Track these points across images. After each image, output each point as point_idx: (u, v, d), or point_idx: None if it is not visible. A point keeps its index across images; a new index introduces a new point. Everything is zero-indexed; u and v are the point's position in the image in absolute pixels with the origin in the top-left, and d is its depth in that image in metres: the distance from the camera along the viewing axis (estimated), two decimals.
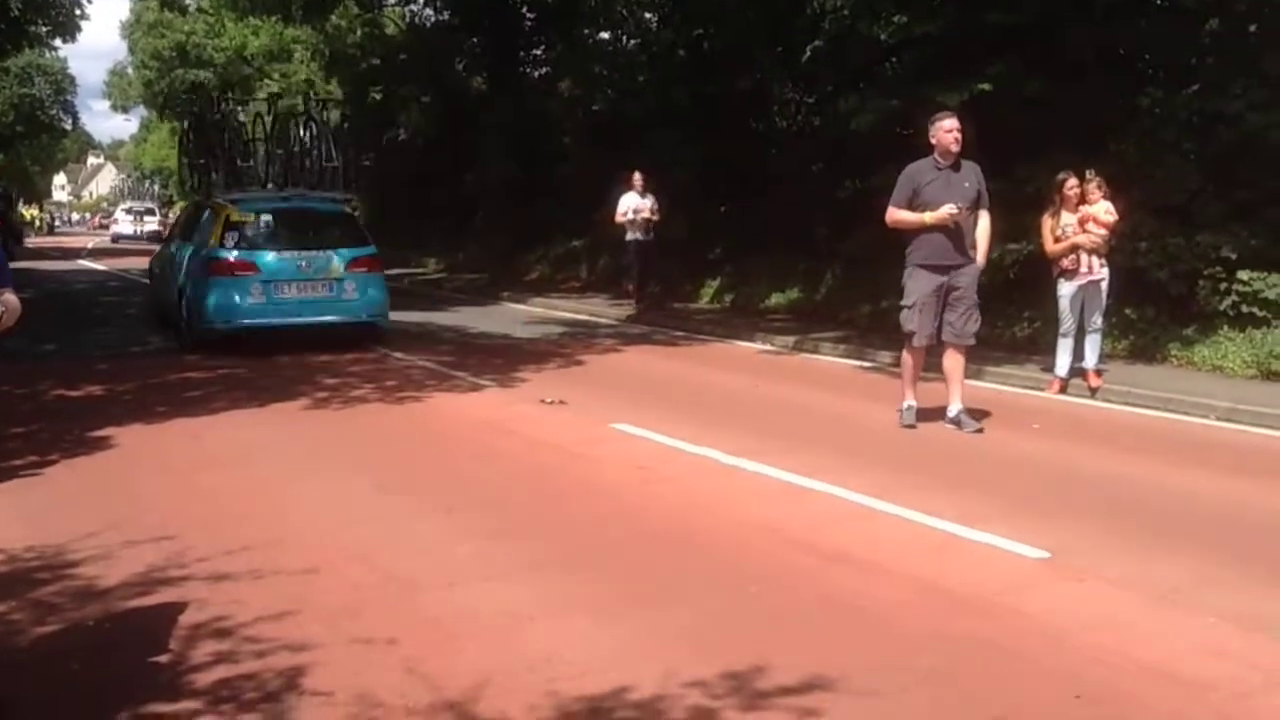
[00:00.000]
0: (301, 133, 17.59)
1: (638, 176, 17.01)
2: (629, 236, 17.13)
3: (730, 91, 19.08)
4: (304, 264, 12.68)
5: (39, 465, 7.46)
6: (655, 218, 17.05)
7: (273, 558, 5.40)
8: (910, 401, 8.67)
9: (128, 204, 61.40)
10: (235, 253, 12.56)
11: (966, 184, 8.47)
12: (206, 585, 5.03)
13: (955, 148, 8.42)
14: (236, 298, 12.40)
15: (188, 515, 6.19)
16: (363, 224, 14.83)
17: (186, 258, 13.30)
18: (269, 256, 12.61)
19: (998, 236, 12.63)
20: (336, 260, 12.87)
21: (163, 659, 4.27)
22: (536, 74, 28.50)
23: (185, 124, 16.53)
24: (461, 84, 28.89)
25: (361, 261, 13.11)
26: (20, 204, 59.42)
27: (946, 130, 8.44)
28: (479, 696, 3.88)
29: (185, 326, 12.99)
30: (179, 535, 5.73)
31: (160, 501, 6.55)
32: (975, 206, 8.53)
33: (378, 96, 29.43)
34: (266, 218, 12.88)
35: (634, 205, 16.98)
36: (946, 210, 8.23)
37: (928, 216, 8.31)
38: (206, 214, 13.88)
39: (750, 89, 18.67)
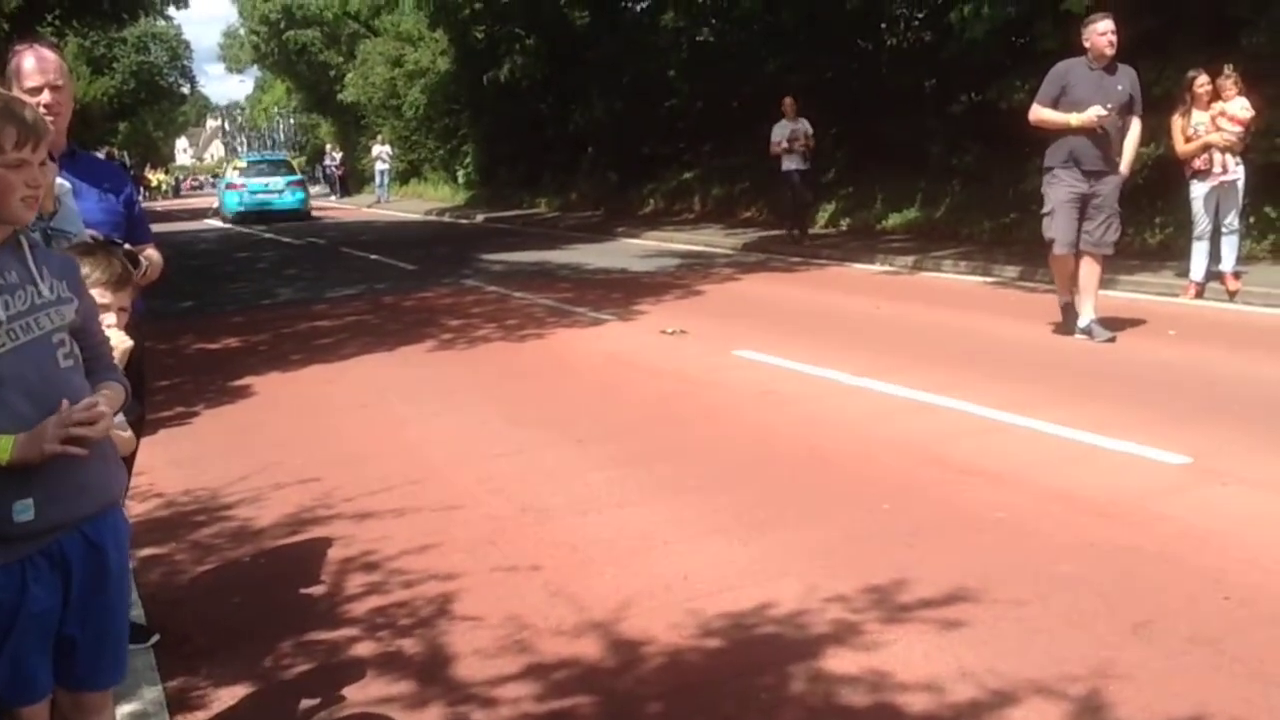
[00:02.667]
0: None
1: (789, 102, 16.31)
2: (785, 166, 16.29)
3: (837, 11, 18.67)
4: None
5: (186, 416, 7.79)
6: (811, 143, 16.29)
7: (413, 494, 5.57)
8: (1065, 299, 8.53)
9: (246, 157, 60.71)
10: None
11: (1120, 87, 8.14)
12: (353, 523, 5.22)
13: (1109, 50, 8.09)
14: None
15: (330, 457, 6.40)
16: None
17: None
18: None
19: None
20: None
21: (317, 591, 4.47)
22: (639, 7, 28.24)
23: None
24: (564, 22, 28.79)
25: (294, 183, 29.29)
26: (147, 169, 61.45)
27: (1100, 33, 8.11)
28: (622, 617, 3.97)
29: None
30: (323, 477, 5.94)
31: (303, 445, 6.79)
32: (1127, 112, 8.21)
33: (480, 36, 29.50)
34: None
35: (788, 133, 16.19)
36: (1093, 112, 7.93)
37: (1073, 118, 8.02)
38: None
39: (857, 6, 18.24)
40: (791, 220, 16.88)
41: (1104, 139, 8.09)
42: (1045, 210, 8.39)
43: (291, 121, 66.78)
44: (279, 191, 30.37)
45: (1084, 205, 8.21)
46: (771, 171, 18.02)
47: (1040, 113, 8.29)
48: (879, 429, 6.35)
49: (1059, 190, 8.23)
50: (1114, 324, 8.49)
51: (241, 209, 29.91)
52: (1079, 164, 8.12)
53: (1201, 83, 9.68)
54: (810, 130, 16.21)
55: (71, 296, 2.46)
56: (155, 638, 4.02)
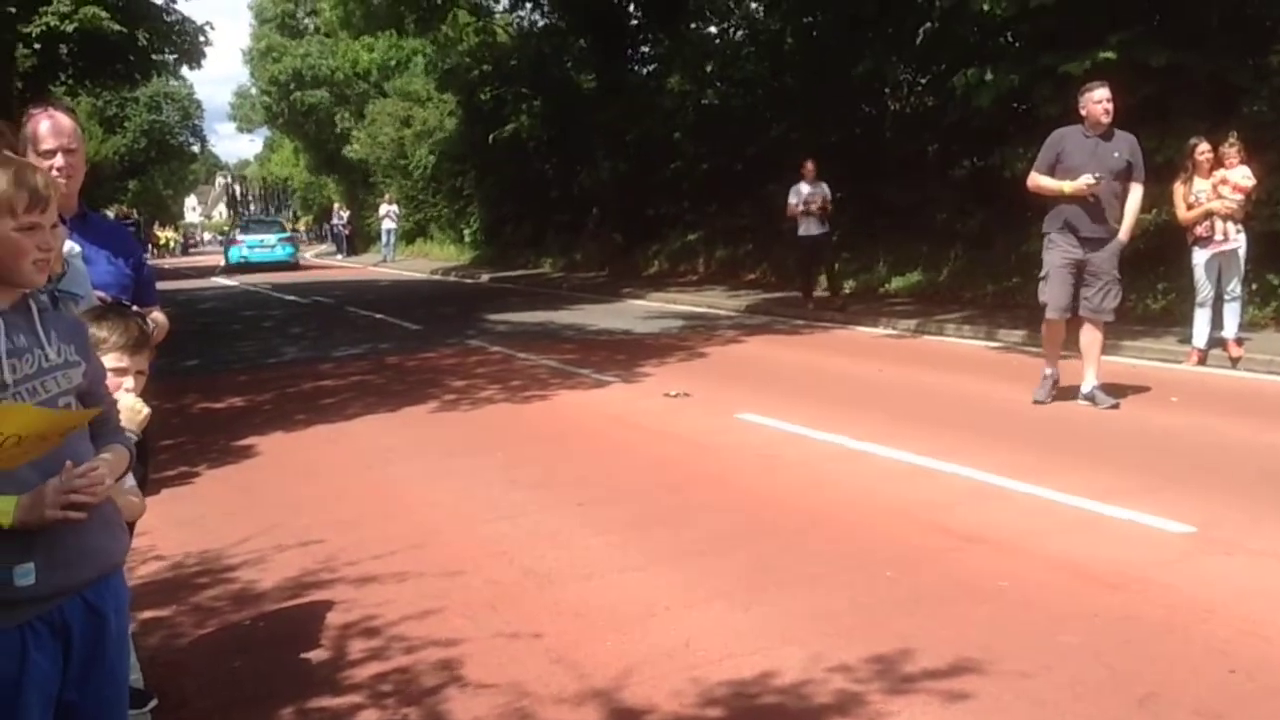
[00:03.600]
0: None
1: (810, 165, 15.88)
2: (801, 231, 15.87)
3: (841, 77, 18.89)
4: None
5: (189, 476, 7.79)
6: (829, 207, 15.91)
7: (414, 558, 5.55)
8: (1048, 370, 8.51)
9: (245, 218, 61.38)
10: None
11: (1116, 154, 8.18)
12: (354, 587, 5.20)
13: (1105, 118, 8.15)
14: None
15: (332, 519, 6.39)
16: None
17: None
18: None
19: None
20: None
21: (318, 657, 4.44)
22: (645, 71, 28.60)
23: None
24: (571, 85, 29.14)
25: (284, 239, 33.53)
26: (155, 226, 61.99)
27: (1096, 101, 8.18)
28: (623, 684, 3.95)
29: None
30: (325, 539, 5.93)
31: (305, 506, 6.78)
32: (1126, 178, 8.26)
33: (487, 97, 29.87)
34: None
35: (806, 195, 15.81)
36: (1084, 181, 7.99)
37: (1066, 186, 8.08)
38: None
39: (862, 73, 18.47)
40: (806, 286, 16.34)
41: (1097, 206, 8.13)
42: (1041, 275, 8.45)
43: (295, 182, 67.54)
44: (271, 246, 36.85)
45: (1080, 271, 8.26)
46: (780, 234, 18.15)
47: (1037, 180, 8.36)
48: (882, 494, 6.34)
49: (1055, 255, 8.28)
50: (1116, 390, 8.51)
51: (240, 259, 36.29)
52: (1074, 230, 8.18)
53: (1203, 150, 9.77)
54: (829, 194, 15.91)
55: (79, 360, 2.47)
56: (154, 702, 4.00)
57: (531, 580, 5.19)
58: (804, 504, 6.25)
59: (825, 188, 15.86)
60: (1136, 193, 8.33)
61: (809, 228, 15.77)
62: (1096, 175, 8.00)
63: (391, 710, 3.90)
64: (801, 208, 15.73)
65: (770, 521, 5.94)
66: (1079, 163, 8.09)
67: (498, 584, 5.16)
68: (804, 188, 15.81)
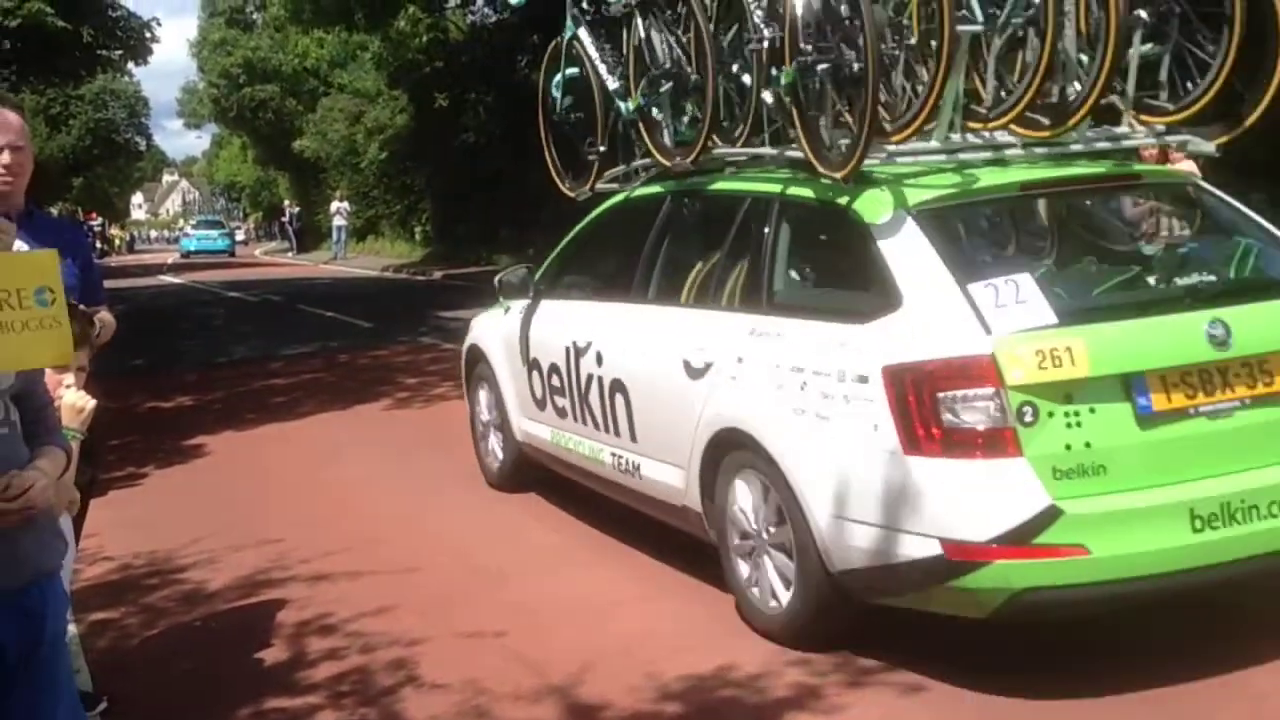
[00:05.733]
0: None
1: None
2: None
3: None
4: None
5: (136, 476, 7.70)
6: None
7: (368, 556, 5.52)
8: None
9: (194, 219, 66.22)
10: None
11: None
12: (307, 585, 5.17)
13: None
14: None
15: (284, 518, 6.34)
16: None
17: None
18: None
19: None
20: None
21: (271, 657, 4.41)
22: None
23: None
24: (524, 82, 29.06)
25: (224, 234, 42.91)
26: (108, 225, 61.62)
27: None
28: (580, 680, 3.95)
29: None
30: (277, 538, 5.87)
31: (256, 506, 6.72)
32: None
33: (444, 102, 29.67)
34: None
35: None
36: None
37: None
38: None
39: None
40: None
41: None
42: None
43: (243, 179, 67.47)
44: (214, 239, 49.38)
45: None
46: None
47: None
48: None
49: None
50: None
51: (191, 248, 48.69)
52: None
53: None
54: None
55: None
56: (103, 705, 3.95)
57: (485, 577, 5.18)
58: None
59: None
60: None
61: None
62: None
63: (348, 710, 3.89)
64: None
65: None
66: None
67: (452, 581, 5.15)
68: None
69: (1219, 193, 4.55)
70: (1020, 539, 3.52)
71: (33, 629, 2.41)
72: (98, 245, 60.28)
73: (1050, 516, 3.50)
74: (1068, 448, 3.60)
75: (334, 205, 36.68)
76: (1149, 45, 4.45)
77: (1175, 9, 4.40)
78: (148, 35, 24.80)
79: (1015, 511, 3.52)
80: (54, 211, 30.62)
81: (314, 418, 9.48)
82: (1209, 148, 4.59)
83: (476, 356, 7.02)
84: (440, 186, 32.65)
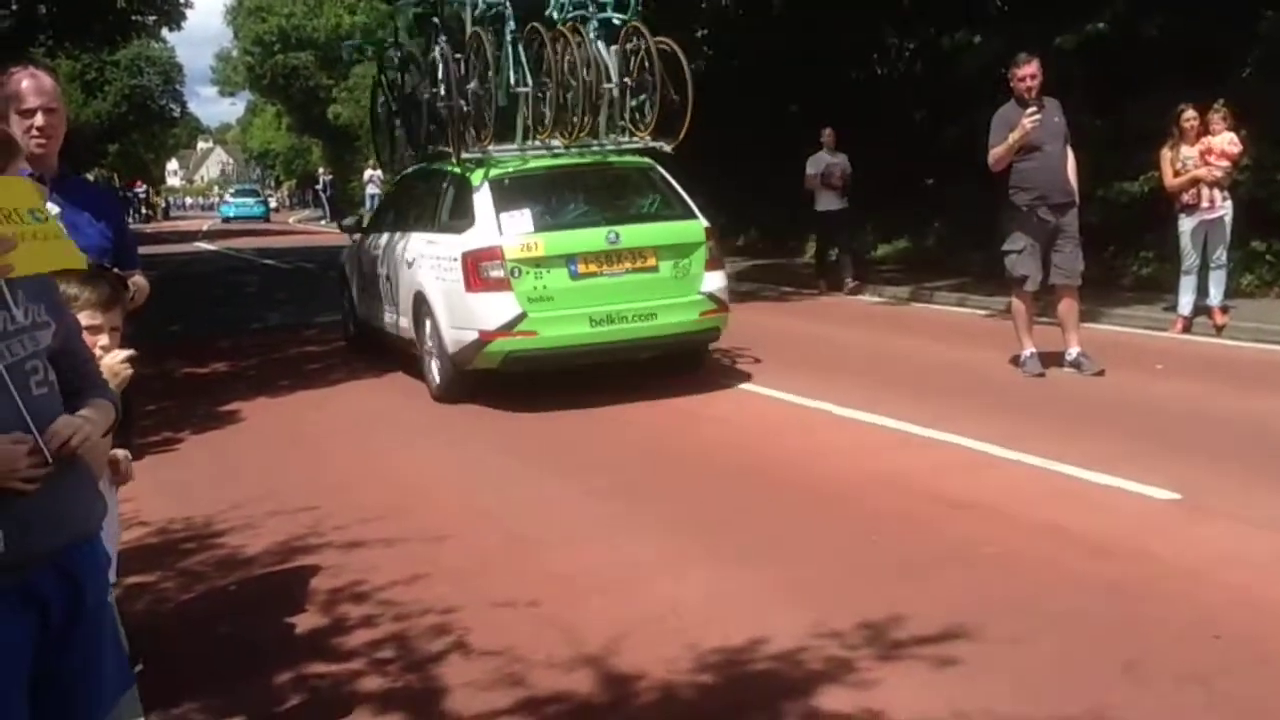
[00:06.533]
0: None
1: (828, 133, 14.43)
2: (820, 205, 14.44)
3: (831, 41, 18.77)
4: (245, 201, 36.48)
5: (172, 442, 7.76)
6: (849, 180, 14.41)
7: (402, 524, 5.54)
8: (1030, 349, 8.48)
9: (233, 188, 69.46)
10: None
11: (1056, 119, 8.24)
12: (341, 552, 5.20)
13: (1028, 98, 8.12)
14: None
15: (318, 485, 6.38)
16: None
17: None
18: None
19: (1113, 174, 12.40)
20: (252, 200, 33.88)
21: (306, 623, 4.44)
22: None
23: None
24: None
25: (259, 201, 30.40)
26: (151, 193, 62.77)
27: (1019, 79, 8.17)
28: (614, 650, 3.95)
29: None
30: (311, 505, 5.91)
31: (291, 472, 6.76)
32: (1067, 143, 8.30)
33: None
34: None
35: (823, 166, 14.36)
36: (1025, 123, 7.93)
37: (1012, 136, 8.03)
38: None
39: (851, 38, 18.34)
40: (824, 267, 15.08)
41: (1060, 173, 8.19)
42: (1014, 247, 8.39)
43: (277, 146, 67.91)
44: (250, 205, 53.14)
45: (1051, 240, 8.28)
46: (766, 200, 17.92)
47: (994, 154, 8.27)
48: (872, 461, 6.34)
49: (1031, 226, 8.26)
50: (1102, 357, 8.51)
51: (230, 214, 52.23)
52: (1047, 199, 8.18)
53: (1189, 117, 9.74)
54: (849, 167, 14.41)
55: (49, 320, 2.39)
56: (139, 667, 3.98)
57: (519, 546, 5.19)
58: (792, 471, 6.25)
59: (845, 159, 14.48)
60: (1072, 156, 8.39)
61: (828, 202, 14.39)
62: (1032, 114, 7.96)
63: (379, 675, 3.90)
64: (820, 179, 14.40)
65: (758, 488, 5.94)
66: (1032, 134, 8.05)
67: (486, 549, 5.16)
68: (824, 157, 14.43)
69: (662, 172, 8.96)
70: (508, 328, 7.86)
71: (75, 590, 2.41)
72: (143, 210, 61.95)
73: (521, 318, 7.85)
74: (534, 288, 7.92)
75: (367, 173, 36.67)
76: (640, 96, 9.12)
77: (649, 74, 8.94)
78: (182, 1, 24.86)
79: (505, 316, 7.85)
80: (90, 177, 30.79)
81: (347, 384, 9.53)
82: (667, 148, 9.04)
83: (341, 271, 11.76)
84: None
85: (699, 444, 7.00)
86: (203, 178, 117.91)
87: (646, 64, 8.97)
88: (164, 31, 29.35)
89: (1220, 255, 9.85)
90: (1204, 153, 9.64)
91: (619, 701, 3.64)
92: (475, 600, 4.50)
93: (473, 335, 7.93)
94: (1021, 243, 8.34)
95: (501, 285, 7.85)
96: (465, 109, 9.20)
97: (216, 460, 7.26)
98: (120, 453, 3.49)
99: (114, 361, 2.98)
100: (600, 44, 9.19)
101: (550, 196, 8.78)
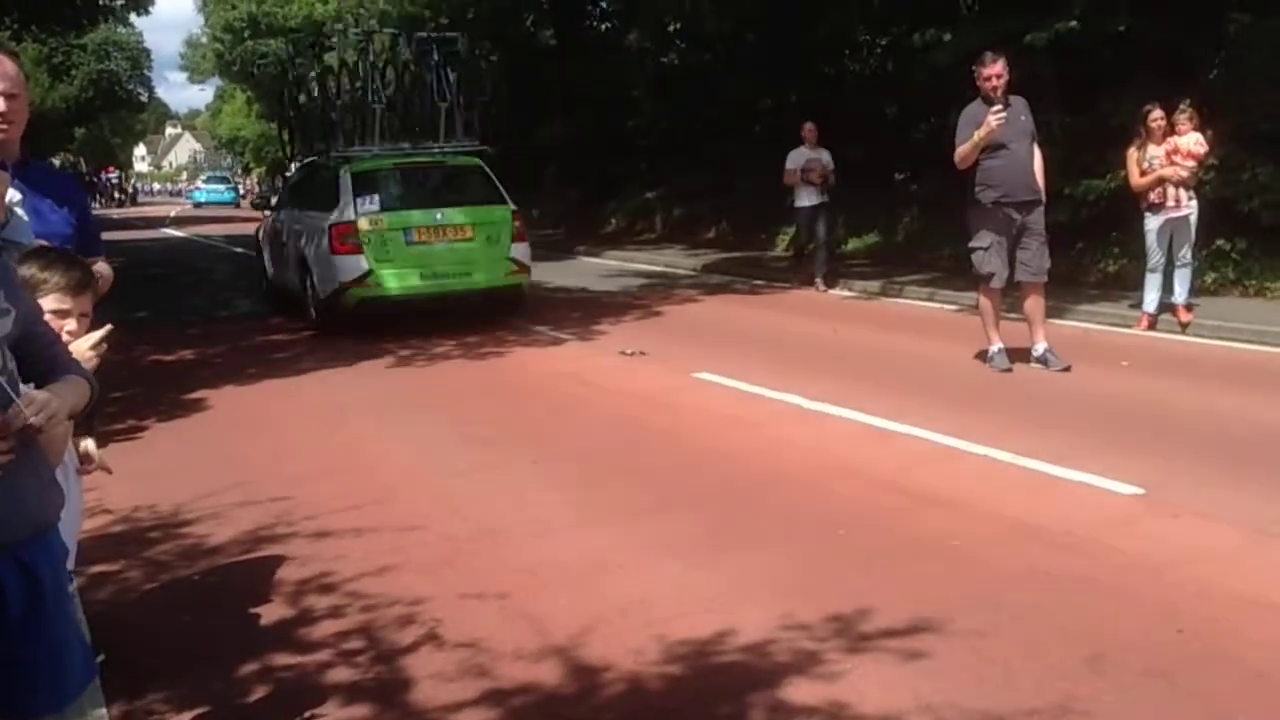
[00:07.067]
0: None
1: (809, 127, 14.21)
2: (800, 202, 14.22)
3: (802, 37, 18.81)
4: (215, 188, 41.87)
5: (137, 429, 7.70)
6: (830, 177, 14.12)
7: (370, 514, 5.52)
8: (997, 344, 8.54)
9: (205, 175, 73.07)
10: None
11: (1022, 118, 8.30)
12: (309, 542, 5.17)
13: (994, 96, 8.14)
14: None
15: (285, 474, 6.34)
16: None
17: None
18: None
19: (1081, 172, 12.49)
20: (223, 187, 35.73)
21: (272, 613, 4.41)
22: (604, 27, 28.33)
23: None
24: (529, 40, 28.83)
25: (229, 188, 30.86)
26: (124, 178, 62.39)
27: (984, 78, 8.21)
28: (581, 641, 3.95)
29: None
30: (278, 494, 5.88)
31: (258, 461, 6.72)
32: (1033, 140, 8.36)
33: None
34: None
35: (804, 161, 14.08)
36: (991, 121, 7.97)
37: (978, 134, 8.07)
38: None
39: (822, 33, 18.38)
40: (800, 261, 14.98)
41: (1026, 170, 8.25)
42: (981, 244, 8.45)
43: (247, 133, 67.39)
44: (221, 191, 57.37)
45: (1018, 237, 8.34)
46: (736, 192, 17.91)
47: (961, 151, 8.32)
48: (838, 454, 6.37)
49: (996, 223, 8.32)
50: (1068, 353, 8.58)
51: (202, 199, 56.32)
52: (1012, 197, 8.24)
53: (1156, 117, 9.82)
54: (830, 163, 14.17)
55: (8, 307, 2.34)
56: (100, 657, 3.94)
57: (488, 537, 5.18)
58: (760, 464, 6.27)
59: (826, 155, 14.24)
60: (1038, 153, 8.45)
61: (807, 197, 14.15)
62: (997, 112, 8.00)
63: (345, 666, 3.88)
64: (800, 175, 14.12)
65: (726, 480, 5.96)
66: (998, 132, 8.09)
67: (453, 540, 5.15)
68: (804, 152, 14.20)
69: (484, 168, 12.07)
70: (360, 280, 11.12)
71: (32, 581, 2.38)
72: (115, 196, 61.74)
73: (369, 273, 11.09)
74: (379, 252, 11.13)
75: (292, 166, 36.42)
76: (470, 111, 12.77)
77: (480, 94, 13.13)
78: None
79: (358, 271, 11.10)
80: (55, 162, 30.41)
81: (315, 374, 9.48)
82: (489, 150, 12.55)
83: (256, 241, 15.08)
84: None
85: (668, 436, 7.01)
86: (170, 163, 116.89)
87: (479, 85, 13.48)
88: (132, 16, 29.06)
89: (1185, 254, 9.95)
90: (1170, 152, 9.72)
91: (586, 693, 3.64)
92: (444, 591, 4.49)
93: (335, 285, 11.27)
94: (988, 240, 8.40)
95: (356, 249, 11.11)
96: (334, 119, 13.18)
97: (183, 448, 7.20)
98: (88, 444, 3.46)
99: (83, 348, 2.94)
100: (443, 69, 12.99)
101: (394, 185, 12.02)
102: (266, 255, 14.00)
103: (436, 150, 12.52)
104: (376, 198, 11.43)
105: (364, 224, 11.10)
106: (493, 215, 11.69)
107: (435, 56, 12.87)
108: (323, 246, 11.31)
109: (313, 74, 14.37)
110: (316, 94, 14.39)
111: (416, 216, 11.49)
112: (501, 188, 11.97)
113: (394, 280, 11.18)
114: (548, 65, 26.78)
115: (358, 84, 13.28)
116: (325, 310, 11.47)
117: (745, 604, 4.24)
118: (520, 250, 11.78)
